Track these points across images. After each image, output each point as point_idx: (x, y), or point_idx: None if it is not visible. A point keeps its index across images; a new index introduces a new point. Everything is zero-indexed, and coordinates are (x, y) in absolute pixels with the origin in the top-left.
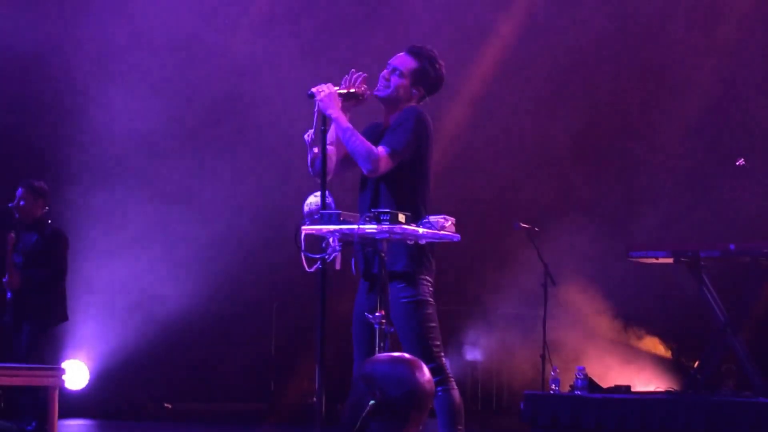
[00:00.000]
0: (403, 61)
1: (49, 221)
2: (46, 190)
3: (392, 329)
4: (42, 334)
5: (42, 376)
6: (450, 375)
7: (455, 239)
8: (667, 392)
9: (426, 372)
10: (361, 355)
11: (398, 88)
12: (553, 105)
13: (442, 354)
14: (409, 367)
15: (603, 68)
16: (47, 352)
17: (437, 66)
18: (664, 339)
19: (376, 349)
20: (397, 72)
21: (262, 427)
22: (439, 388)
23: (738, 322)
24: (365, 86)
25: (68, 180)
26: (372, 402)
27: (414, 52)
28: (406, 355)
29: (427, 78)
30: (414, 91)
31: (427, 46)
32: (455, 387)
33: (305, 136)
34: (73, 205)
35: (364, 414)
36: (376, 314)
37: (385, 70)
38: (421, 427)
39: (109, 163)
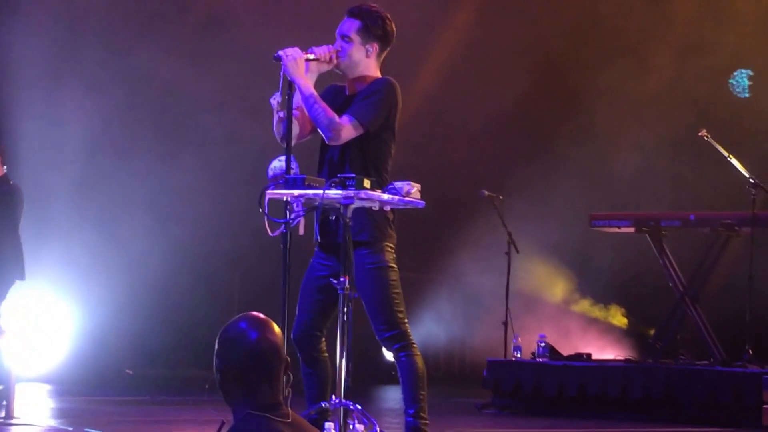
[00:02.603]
0: (345, 25)
1: (11, 182)
2: (2, 149)
3: (355, 295)
4: None
5: None
6: (413, 341)
7: (420, 206)
8: (626, 360)
9: (268, 331)
10: (303, 317)
11: (350, 53)
12: (515, 73)
13: (406, 320)
14: (254, 329)
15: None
16: None
17: (380, 19)
18: (624, 308)
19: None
20: (345, 38)
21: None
22: (402, 354)
23: (697, 291)
24: (331, 53)
25: None
26: (221, 365)
27: (353, 12)
28: (252, 315)
29: (373, 32)
30: (367, 48)
31: (366, 3)
32: (418, 353)
33: (271, 100)
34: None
35: (216, 377)
36: (340, 280)
37: (336, 42)
38: (287, 390)
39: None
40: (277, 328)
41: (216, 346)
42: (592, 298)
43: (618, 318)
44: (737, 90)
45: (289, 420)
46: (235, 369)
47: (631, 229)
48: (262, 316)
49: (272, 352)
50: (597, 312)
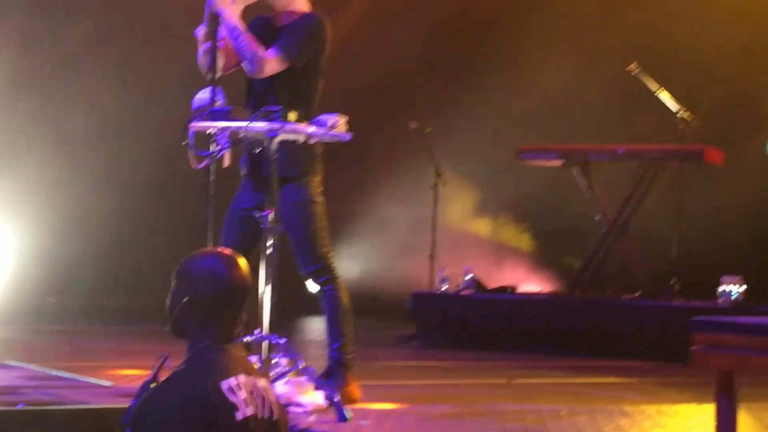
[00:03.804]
0: None
1: None
2: None
3: (280, 229)
4: None
5: None
6: (338, 275)
7: (346, 138)
8: (551, 293)
9: (240, 269)
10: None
11: None
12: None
13: (331, 254)
14: (224, 263)
15: None
16: None
17: None
18: (551, 241)
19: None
20: None
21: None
22: (327, 288)
23: (624, 225)
24: None
25: None
26: (186, 299)
27: None
28: (223, 250)
29: None
30: None
31: None
32: (343, 287)
33: (196, 32)
34: None
35: (177, 310)
36: (264, 213)
37: None
38: (239, 328)
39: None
40: (244, 265)
41: (181, 279)
42: (519, 231)
43: (544, 251)
44: None
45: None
46: (206, 302)
47: (559, 163)
48: (229, 251)
49: (244, 287)
50: (523, 245)
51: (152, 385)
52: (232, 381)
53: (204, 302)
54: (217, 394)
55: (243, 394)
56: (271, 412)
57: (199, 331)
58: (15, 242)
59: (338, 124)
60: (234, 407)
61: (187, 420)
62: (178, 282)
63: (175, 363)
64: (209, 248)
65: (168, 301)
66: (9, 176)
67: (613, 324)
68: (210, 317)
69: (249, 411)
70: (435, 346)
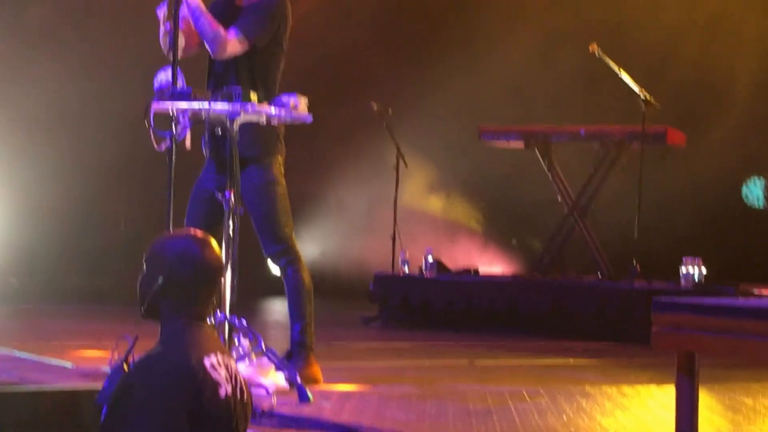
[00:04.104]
0: None
1: None
2: None
3: (241, 210)
4: None
5: None
6: (300, 256)
7: (308, 120)
8: (513, 275)
9: (213, 249)
10: None
11: None
12: None
13: (293, 235)
14: (197, 244)
15: None
16: None
17: None
18: (512, 222)
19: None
20: None
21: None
22: (289, 269)
23: (585, 207)
24: None
25: None
26: (161, 280)
27: None
28: (195, 232)
29: None
30: None
31: None
32: (305, 268)
33: (157, 11)
34: None
35: (152, 291)
36: (225, 194)
37: None
38: (210, 307)
39: None
40: (216, 245)
41: (153, 261)
42: (481, 213)
43: (505, 233)
44: (750, 200)
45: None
46: (181, 283)
47: (520, 144)
48: (200, 233)
49: (218, 267)
50: (484, 226)
51: (125, 366)
52: (212, 358)
53: (179, 283)
54: (201, 370)
55: (223, 372)
56: (242, 392)
57: (174, 312)
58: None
59: (299, 105)
60: (217, 384)
61: (174, 397)
62: (150, 264)
63: (142, 344)
64: (180, 230)
65: (140, 284)
66: None
67: (575, 306)
68: (185, 298)
69: (229, 389)
70: (397, 328)
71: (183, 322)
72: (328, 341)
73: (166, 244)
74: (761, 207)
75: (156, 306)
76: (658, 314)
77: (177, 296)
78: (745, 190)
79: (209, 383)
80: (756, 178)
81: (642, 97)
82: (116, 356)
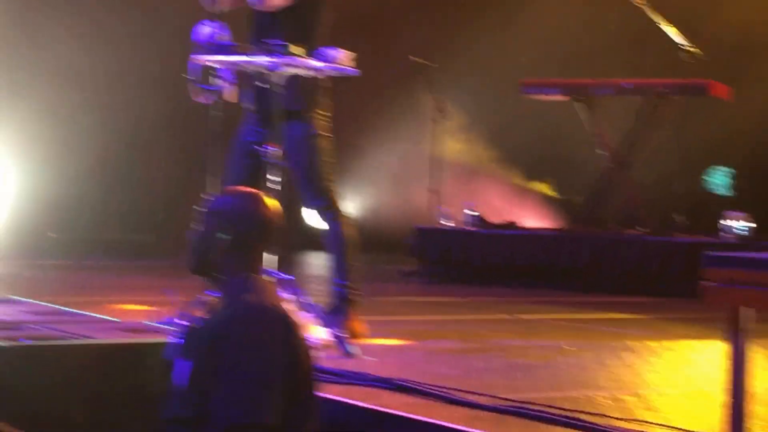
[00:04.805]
0: None
1: None
2: None
3: (284, 163)
4: None
5: None
6: (342, 210)
7: (353, 73)
8: (554, 229)
9: (276, 206)
10: (230, 183)
11: None
12: None
13: (336, 189)
14: (254, 200)
15: None
16: None
17: None
18: (554, 177)
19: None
20: None
21: (149, 258)
22: (331, 223)
23: (627, 160)
24: None
25: None
26: (221, 236)
27: None
28: (250, 189)
29: None
30: None
31: None
32: (347, 221)
33: None
34: None
35: (215, 248)
36: (268, 147)
37: None
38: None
39: None
40: (272, 202)
41: (215, 219)
42: (521, 167)
43: (547, 187)
44: (713, 188)
45: None
46: (248, 239)
47: (562, 97)
48: (255, 191)
49: (278, 223)
50: (526, 181)
51: (194, 321)
52: (285, 305)
53: (246, 240)
54: (289, 316)
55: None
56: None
57: (240, 267)
58: (16, 180)
59: (341, 58)
60: (300, 329)
61: (273, 342)
62: (214, 222)
63: (181, 298)
64: (239, 188)
65: (199, 241)
66: (10, 116)
67: (616, 260)
68: (251, 253)
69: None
70: (437, 282)
71: (250, 276)
72: (368, 296)
73: (229, 203)
74: (727, 194)
75: (215, 262)
76: (708, 269)
77: (243, 252)
78: (708, 179)
79: (296, 328)
80: (718, 167)
81: (686, 49)
82: (172, 312)
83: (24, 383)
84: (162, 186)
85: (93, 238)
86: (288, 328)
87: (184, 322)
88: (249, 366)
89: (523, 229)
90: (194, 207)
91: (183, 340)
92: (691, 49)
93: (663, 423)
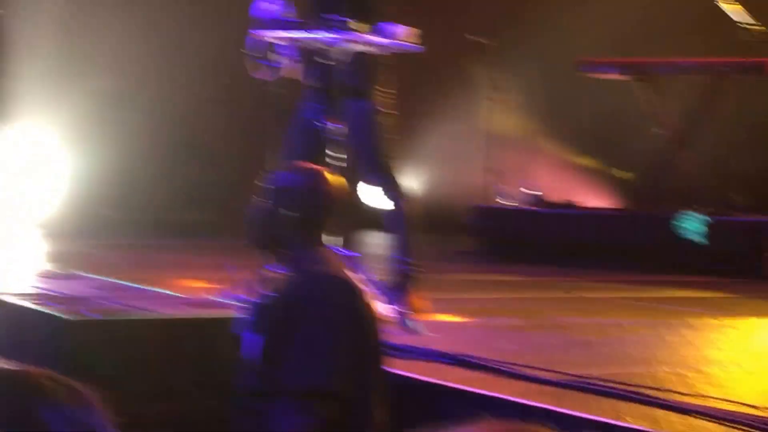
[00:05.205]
0: None
1: None
2: None
3: (344, 139)
4: None
5: None
6: (401, 187)
7: (416, 50)
8: (615, 208)
9: (341, 181)
10: (290, 159)
11: None
12: None
13: (395, 166)
14: (319, 177)
15: None
16: None
17: None
18: (612, 155)
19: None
20: None
21: (208, 236)
22: (390, 199)
23: (685, 138)
24: None
25: None
26: (289, 212)
27: None
28: (310, 165)
29: None
30: None
31: None
32: (406, 198)
33: None
34: None
35: (280, 224)
36: (328, 123)
37: None
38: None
39: None
40: (334, 177)
41: (282, 195)
42: (578, 146)
43: (609, 167)
44: (685, 234)
45: None
46: (315, 214)
47: (621, 75)
48: (317, 167)
49: (342, 198)
50: (584, 159)
51: (250, 296)
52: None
53: (314, 215)
54: (356, 284)
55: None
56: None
57: (307, 241)
58: (77, 157)
59: (401, 33)
60: (368, 296)
61: (346, 310)
62: (280, 198)
63: (242, 275)
64: (302, 164)
65: (262, 217)
66: (70, 95)
67: (674, 239)
68: (317, 228)
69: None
70: (495, 261)
71: (318, 249)
72: (428, 274)
73: (297, 179)
74: (702, 241)
75: (280, 237)
76: None
77: (308, 227)
78: (679, 225)
79: (365, 298)
80: (689, 212)
81: (747, 25)
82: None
83: (92, 357)
84: (221, 164)
85: (151, 217)
86: (356, 298)
87: (251, 297)
88: (318, 334)
89: (582, 208)
90: (257, 182)
91: (251, 314)
92: (755, 28)
93: (728, 398)
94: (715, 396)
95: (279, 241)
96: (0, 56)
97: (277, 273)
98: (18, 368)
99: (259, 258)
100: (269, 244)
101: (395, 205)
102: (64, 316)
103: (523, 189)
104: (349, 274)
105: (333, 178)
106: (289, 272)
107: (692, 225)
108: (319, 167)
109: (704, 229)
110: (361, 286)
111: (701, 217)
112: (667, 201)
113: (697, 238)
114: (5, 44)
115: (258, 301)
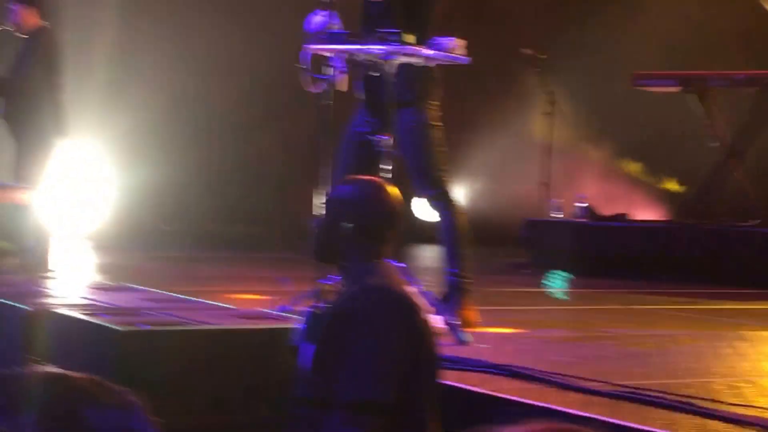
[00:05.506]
0: None
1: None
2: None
3: (397, 153)
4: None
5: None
6: (455, 200)
7: (464, 62)
8: (667, 221)
9: (397, 194)
10: (342, 173)
11: None
12: None
13: (448, 179)
14: (377, 188)
15: None
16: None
17: None
18: (666, 168)
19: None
20: None
21: (259, 250)
22: (444, 213)
23: (741, 152)
24: None
25: None
26: (347, 225)
27: None
28: (373, 177)
29: None
30: None
31: None
32: (460, 212)
33: None
34: None
35: (339, 236)
36: (381, 137)
37: None
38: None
39: None
40: (393, 191)
41: (341, 208)
42: (633, 159)
43: (660, 179)
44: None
45: None
46: (373, 227)
47: (676, 89)
48: (379, 180)
49: (401, 211)
50: (638, 173)
51: (306, 307)
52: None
53: (372, 228)
54: (411, 297)
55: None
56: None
57: (365, 253)
58: (127, 172)
59: (453, 46)
60: (423, 310)
61: (400, 322)
62: (338, 211)
63: (294, 288)
64: (359, 177)
65: (323, 229)
66: (120, 108)
67: (729, 252)
68: (375, 240)
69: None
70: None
71: (377, 262)
72: (481, 286)
73: (353, 191)
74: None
75: (340, 250)
76: None
77: (367, 240)
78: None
79: (419, 311)
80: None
81: None
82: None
83: (142, 367)
84: (271, 178)
85: (202, 230)
86: (410, 311)
87: (307, 308)
88: (372, 347)
89: (634, 221)
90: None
91: (307, 325)
92: None
93: None
94: None
95: (338, 254)
96: (55, 71)
97: (334, 285)
98: (64, 372)
99: (312, 271)
100: (330, 257)
101: (447, 216)
102: (115, 327)
103: (575, 202)
104: (406, 287)
105: (389, 190)
106: (347, 284)
107: (557, 284)
108: (376, 179)
109: (566, 286)
110: (417, 300)
111: (566, 275)
112: (718, 213)
113: (560, 296)
114: (60, 59)
115: (315, 312)
